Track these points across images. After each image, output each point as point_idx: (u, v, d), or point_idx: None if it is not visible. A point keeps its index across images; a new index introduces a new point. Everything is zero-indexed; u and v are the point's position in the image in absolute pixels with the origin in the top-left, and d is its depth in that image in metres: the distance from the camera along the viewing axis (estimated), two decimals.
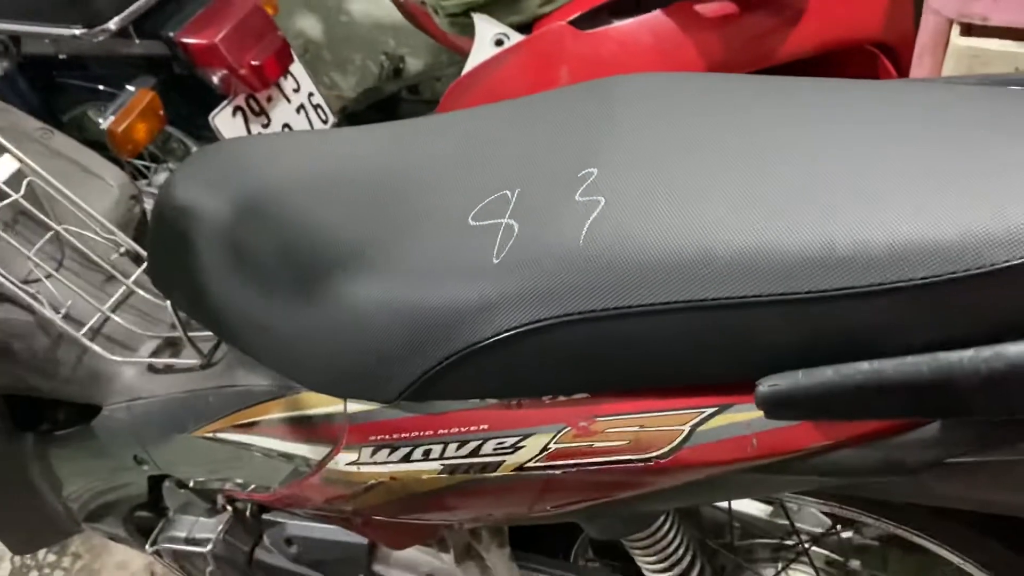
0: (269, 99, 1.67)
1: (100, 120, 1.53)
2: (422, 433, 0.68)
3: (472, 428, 0.65)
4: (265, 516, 1.06)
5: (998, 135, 0.52)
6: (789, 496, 0.83)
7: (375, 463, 0.71)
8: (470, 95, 1.41)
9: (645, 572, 0.82)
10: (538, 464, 0.64)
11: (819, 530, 1.02)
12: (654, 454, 0.59)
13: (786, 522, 1.04)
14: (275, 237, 0.73)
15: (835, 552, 1.03)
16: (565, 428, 0.62)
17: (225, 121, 1.60)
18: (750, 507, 1.07)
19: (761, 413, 0.54)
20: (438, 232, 0.66)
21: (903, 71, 1.39)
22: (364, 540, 1.00)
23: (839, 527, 0.99)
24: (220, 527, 1.04)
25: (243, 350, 0.78)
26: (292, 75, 1.70)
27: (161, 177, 1.95)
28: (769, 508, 1.08)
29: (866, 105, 0.60)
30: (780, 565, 1.02)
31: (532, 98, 0.76)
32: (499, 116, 0.75)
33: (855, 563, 1.02)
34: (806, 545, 0.99)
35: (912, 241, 0.47)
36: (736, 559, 1.04)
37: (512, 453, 0.64)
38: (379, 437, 0.70)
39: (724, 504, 1.03)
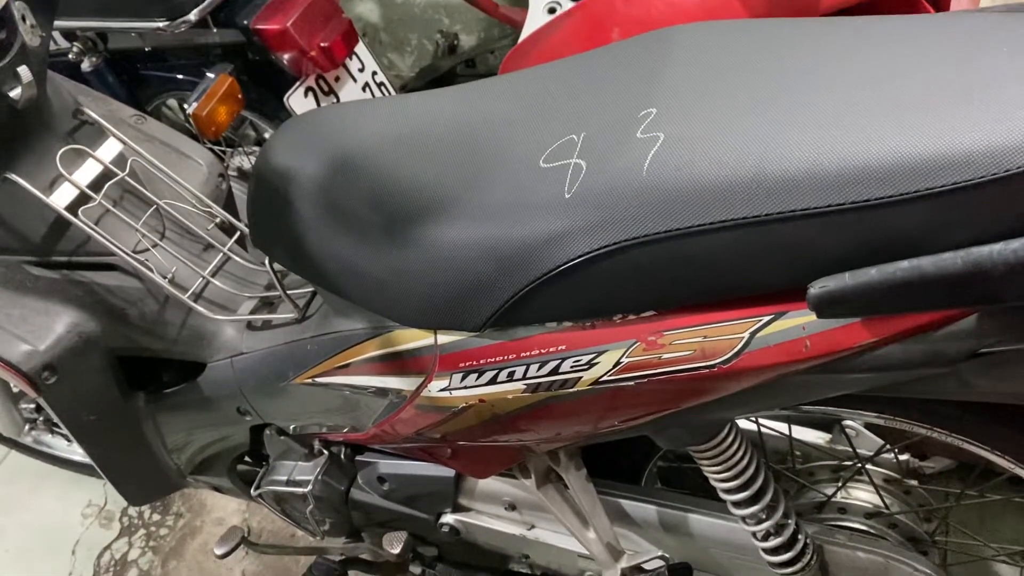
0: (337, 79, 1.76)
1: (184, 105, 1.64)
2: (506, 357, 0.76)
3: (551, 349, 0.73)
4: (358, 457, 1.15)
5: (1018, 54, 0.57)
6: (848, 414, 0.89)
7: (465, 387, 0.79)
8: (527, 60, 1.47)
9: (713, 483, 0.89)
10: (612, 377, 0.71)
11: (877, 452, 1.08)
12: (717, 360, 0.66)
13: (843, 447, 1.10)
14: (367, 190, 0.81)
15: (891, 471, 1.08)
16: (635, 343, 0.69)
17: (298, 101, 1.70)
18: (810, 435, 1.14)
19: (813, 317, 0.60)
20: (513, 175, 0.73)
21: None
22: (451, 473, 1.08)
23: (892, 446, 1.05)
24: (318, 470, 1.13)
25: (341, 295, 0.86)
26: (357, 56, 1.79)
27: (237, 160, 2.06)
28: (828, 436, 1.14)
29: (900, 35, 0.65)
30: (840, 484, 1.07)
31: (591, 52, 0.83)
32: (560, 70, 0.82)
33: (913, 482, 1.08)
34: (864, 465, 1.05)
35: (941, 152, 0.53)
36: (799, 481, 1.11)
37: (588, 369, 0.72)
38: (467, 364, 0.78)
39: (785, 430, 1.09)
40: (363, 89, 1.81)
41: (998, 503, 1.12)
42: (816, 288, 0.58)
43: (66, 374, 1.07)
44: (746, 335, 0.64)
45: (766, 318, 0.63)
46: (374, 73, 1.83)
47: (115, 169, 1.07)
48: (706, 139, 0.63)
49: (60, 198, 1.03)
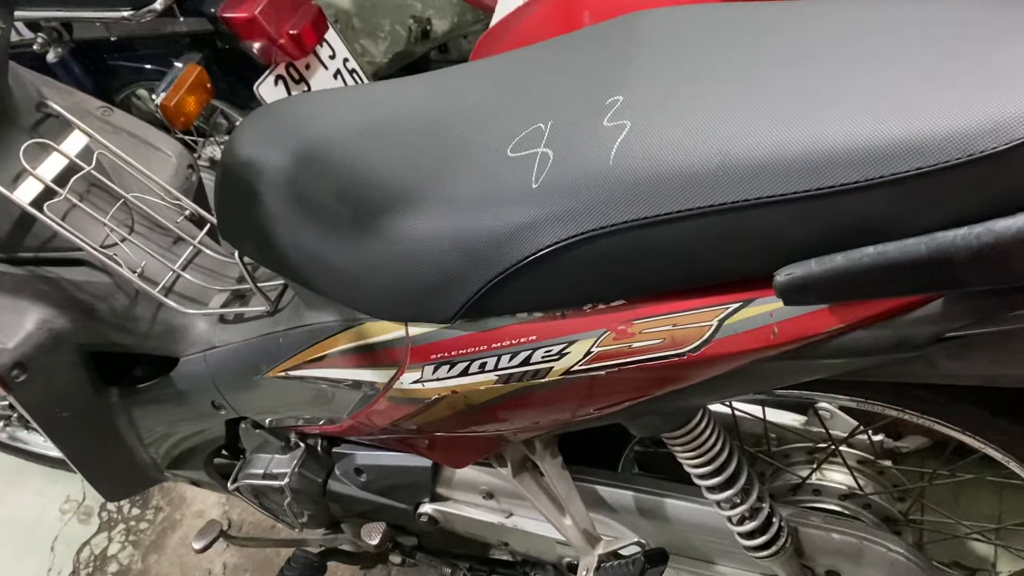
0: (308, 67, 1.75)
1: (153, 96, 1.62)
2: (478, 348, 0.75)
3: (522, 339, 0.73)
4: (335, 449, 1.14)
5: (982, 38, 0.57)
6: (820, 397, 0.89)
7: (437, 379, 0.79)
8: (499, 45, 1.46)
9: (687, 469, 0.89)
10: (583, 367, 0.71)
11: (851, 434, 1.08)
12: (686, 348, 0.66)
13: (818, 429, 1.10)
14: (334, 181, 0.80)
15: (865, 452, 1.09)
16: (605, 332, 0.69)
17: (268, 90, 1.68)
18: (784, 417, 1.14)
19: (781, 304, 0.60)
20: (481, 165, 0.73)
21: None
22: (427, 464, 1.08)
23: (866, 427, 1.05)
24: (295, 462, 1.13)
25: (310, 287, 0.85)
26: (328, 43, 1.77)
27: (209, 150, 2.04)
28: (803, 418, 1.14)
29: (866, 20, 0.65)
30: (814, 466, 1.08)
31: (560, 38, 0.82)
32: (529, 57, 0.81)
33: (887, 462, 1.09)
34: (838, 447, 1.05)
35: (905, 137, 0.53)
36: (774, 464, 1.11)
37: (559, 359, 0.71)
38: (439, 355, 0.78)
39: (759, 414, 1.10)
40: (335, 76, 1.79)
41: (972, 481, 1.13)
42: (782, 275, 0.58)
43: (36, 372, 1.06)
44: (714, 323, 0.64)
45: (734, 306, 0.63)
46: (345, 60, 1.82)
47: (81, 163, 1.06)
48: (673, 127, 0.62)
49: (24, 193, 1.01)
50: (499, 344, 0.74)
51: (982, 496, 1.31)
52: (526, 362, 0.73)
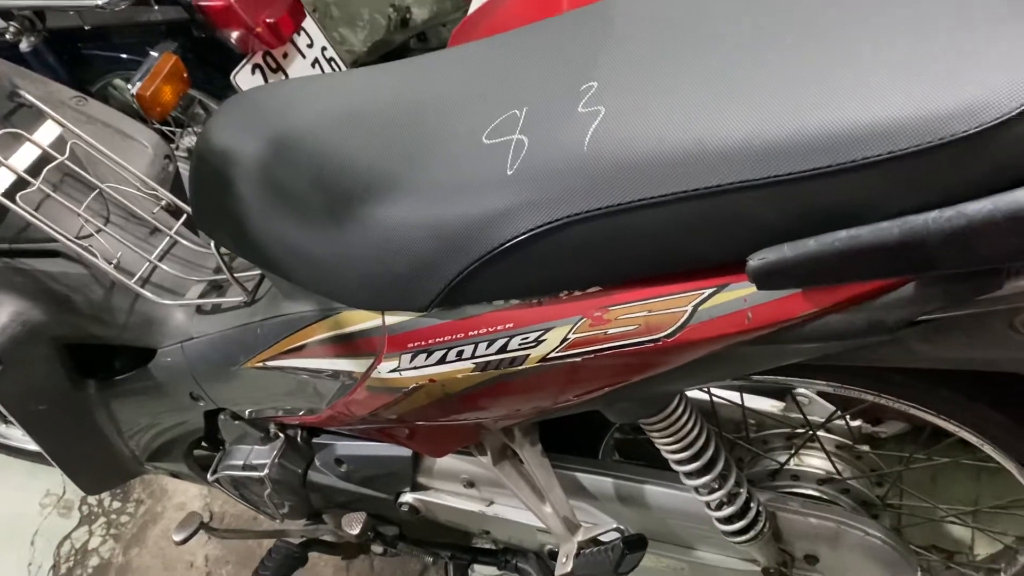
0: (285, 55, 1.74)
1: (128, 86, 1.60)
2: (454, 336, 0.75)
3: (499, 327, 0.73)
4: (315, 440, 1.14)
5: (957, 24, 0.57)
6: (798, 383, 0.90)
7: (414, 368, 0.79)
8: (476, 33, 1.45)
9: (665, 455, 0.90)
10: (559, 354, 0.71)
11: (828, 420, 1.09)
12: (662, 334, 0.66)
13: (796, 415, 1.11)
14: (309, 170, 0.79)
15: (843, 437, 1.10)
16: (581, 319, 0.69)
17: (245, 79, 1.67)
18: (762, 403, 1.15)
19: (754, 288, 0.60)
20: (456, 152, 0.72)
21: None
22: (408, 453, 1.08)
23: (843, 412, 1.06)
24: (274, 453, 1.12)
25: (286, 277, 0.85)
26: (305, 31, 1.76)
27: (187, 140, 2.02)
28: (781, 404, 1.15)
29: (840, 4, 0.65)
30: (792, 451, 1.09)
31: (536, 24, 0.82)
32: (505, 43, 0.81)
33: (864, 447, 1.09)
34: (816, 432, 1.06)
35: (877, 121, 0.53)
36: (752, 450, 1.12)
37: (536, 346, 0.71)
38: (416, 344, 0.77)
39: (738, 400, 1.10)
40: (312, 65, 1.78)
41: (948, 465, 1.14)
42: (755, 260, 0.58)
43: (11, 364, 1.05)
44: (689, 308, 0.64)
45: (708, 291, 0.63)
46: (323, 49, 1.81)
47: (54, 153, 1.05)
48: (647, 112, 0.62)
49: None
50: (476, 332, 0.74)
51: (959, 479, 1.33)
52: (503, 350, 0.73)
